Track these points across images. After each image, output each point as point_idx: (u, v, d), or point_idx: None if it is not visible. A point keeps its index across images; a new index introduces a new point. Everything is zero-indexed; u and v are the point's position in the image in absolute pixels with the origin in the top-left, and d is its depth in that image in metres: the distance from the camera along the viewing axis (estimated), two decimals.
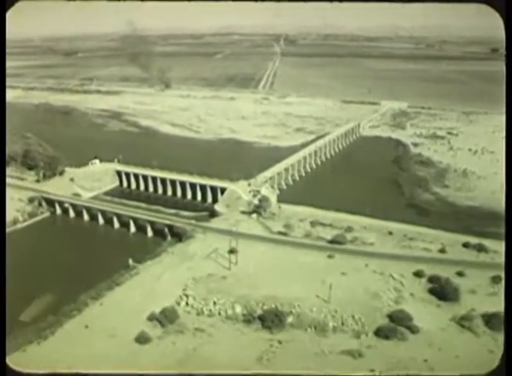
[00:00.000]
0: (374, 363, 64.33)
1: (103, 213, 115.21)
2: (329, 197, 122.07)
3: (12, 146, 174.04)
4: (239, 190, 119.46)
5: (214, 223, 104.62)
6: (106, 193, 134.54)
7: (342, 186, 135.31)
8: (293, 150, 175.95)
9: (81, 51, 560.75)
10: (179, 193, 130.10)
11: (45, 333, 71.96)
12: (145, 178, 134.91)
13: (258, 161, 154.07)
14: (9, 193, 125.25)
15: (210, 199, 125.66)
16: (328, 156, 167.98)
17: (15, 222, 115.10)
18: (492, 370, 41.11)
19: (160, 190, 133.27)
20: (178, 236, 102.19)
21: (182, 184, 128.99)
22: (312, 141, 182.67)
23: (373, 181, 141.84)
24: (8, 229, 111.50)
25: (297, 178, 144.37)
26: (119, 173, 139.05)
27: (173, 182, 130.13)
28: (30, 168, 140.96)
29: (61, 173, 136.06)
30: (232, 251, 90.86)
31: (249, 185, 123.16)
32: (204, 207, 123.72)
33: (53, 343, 70.05)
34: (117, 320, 73.75)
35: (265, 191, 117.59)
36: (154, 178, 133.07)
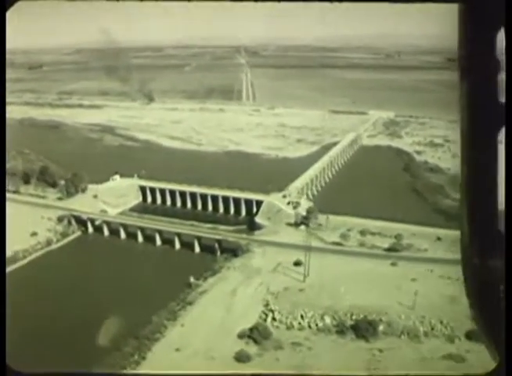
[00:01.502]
0: (479, 367, 66.03)
1: (142, 230, 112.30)
2: (359, 206, 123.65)
3: (19, 163, 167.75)
4: (278, 202, 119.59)
5: (270, 236, 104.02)
6: (132, 210, 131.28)
7: (365, 194, 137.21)
8: (302, 161, 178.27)
9: (45, 64, 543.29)
10: (210, 207, 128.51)
11: (134, 358, 69.59)
12: (172, 193, 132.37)
13: (273, 173, 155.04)
14: (36, 211, 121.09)
15: (243, 212, 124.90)
16: (340, 166, 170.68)
17: (49, 242, 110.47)
18: (492, 370, 41.97)
19: (188, 205, 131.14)
20: (231, 251, 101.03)
21: (214, 198, 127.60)
22: (319, 152, 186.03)
23: (393, 189, 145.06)
24: (43, 251, 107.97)
25: (320, 188, 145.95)
26: (142, 188, 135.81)
27: (204, 197, 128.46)
28: (50, 186, 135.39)
29: (83, 190, 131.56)
30: (297, 264, 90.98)
31: (283, 197, 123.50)
32: (239, 220, 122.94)
33: (148, 368, 67.75)
34: (207, 341, 72.14)
35: (304, 202, 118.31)
36: (182, 193, 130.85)
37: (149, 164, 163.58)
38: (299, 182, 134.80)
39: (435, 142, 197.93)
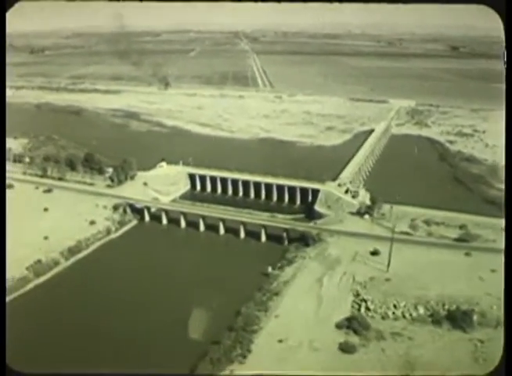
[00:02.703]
0: None
1: (203, 218, 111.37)
2: (409, 195, 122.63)
3: (52, 149, 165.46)
4: (336, 191, 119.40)
5: (336, 226, 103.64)
6: (182, 197, 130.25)
7: (410, 183, 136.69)
8: (338, 149, 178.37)
9: (46, 48, 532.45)
10: (263, 195, 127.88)
11: (237, 351, 68.77)
12: (223, 180, 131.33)
13: (313, 161, 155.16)
14: (89, 199, 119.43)
15: (298, 201, 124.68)
16: (377, 154, 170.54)
17: (108, 231, 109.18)
18: (492, 370, 41.10)
19: (240, 193, 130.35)
20: (299, 240, 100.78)
21: (267, 186, 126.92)
22: (352, 140, 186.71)
23: (435, 178, 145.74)
24: (104, 240, 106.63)
25: (365, 177, 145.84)
26: (192, 176, 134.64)
27: (257, 185, 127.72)
28: (96, 173, 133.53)
29: (132, 177, 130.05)
30: (374, 253, 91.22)
31: (339, 185, 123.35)
32: (294, 209, 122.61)
33: (256, 361, 67.05)
34: (307, 331, 72.00)
35: (362, 192, 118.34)
36: (235, 181, 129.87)
37: (185, 150, 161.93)
38: (348, 171, 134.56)
39: (464, 131, 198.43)
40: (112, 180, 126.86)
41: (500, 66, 47.20)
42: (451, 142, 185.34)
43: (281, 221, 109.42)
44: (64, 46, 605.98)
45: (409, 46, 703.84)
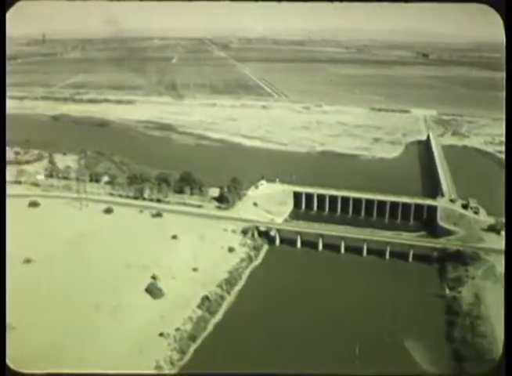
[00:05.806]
0: None
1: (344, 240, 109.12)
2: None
3: (113, 167, 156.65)
4: (455, 207, 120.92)
5: (480, 243, 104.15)
6: (291, 217, 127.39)
7: (496, 196, 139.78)
8: (400, 161, 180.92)
9: (19, 57, 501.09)
10: (375, 212, 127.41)
11: None
12: (333, 198, 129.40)
13: (390, 175, 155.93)
14: (214, 224, 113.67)
15: (412, 218, 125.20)
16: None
17: (250, 258, 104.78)
18: (492, 370, 40.80)
19: (350, 211, 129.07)
20: (450, 259, 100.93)
21: (380, 203, 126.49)
22: (407, 152, 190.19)
23: None
24: (250, 268, 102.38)
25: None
26: (297, 194, 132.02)
27: (369, 202, 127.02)
28: (197, 193, 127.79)
29: (240, 197, 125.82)
30: None
31: (451, 201, 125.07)
32: (411, 226, 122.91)
33: None
34: None
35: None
36: (346, 199, 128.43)
37: (257, 165, 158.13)
38: (445, 186, 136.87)
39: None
40: (226, 201, 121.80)
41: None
42: (500, 152, 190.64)
43: (409, 239, 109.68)
44: (32, 54, 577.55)
45: (378, 53, 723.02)
